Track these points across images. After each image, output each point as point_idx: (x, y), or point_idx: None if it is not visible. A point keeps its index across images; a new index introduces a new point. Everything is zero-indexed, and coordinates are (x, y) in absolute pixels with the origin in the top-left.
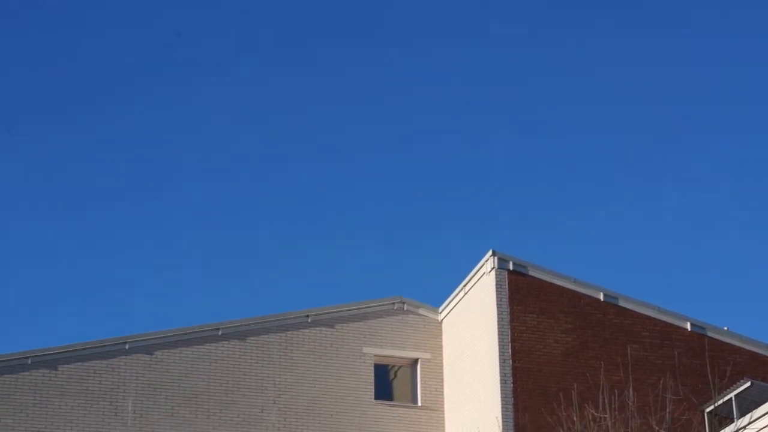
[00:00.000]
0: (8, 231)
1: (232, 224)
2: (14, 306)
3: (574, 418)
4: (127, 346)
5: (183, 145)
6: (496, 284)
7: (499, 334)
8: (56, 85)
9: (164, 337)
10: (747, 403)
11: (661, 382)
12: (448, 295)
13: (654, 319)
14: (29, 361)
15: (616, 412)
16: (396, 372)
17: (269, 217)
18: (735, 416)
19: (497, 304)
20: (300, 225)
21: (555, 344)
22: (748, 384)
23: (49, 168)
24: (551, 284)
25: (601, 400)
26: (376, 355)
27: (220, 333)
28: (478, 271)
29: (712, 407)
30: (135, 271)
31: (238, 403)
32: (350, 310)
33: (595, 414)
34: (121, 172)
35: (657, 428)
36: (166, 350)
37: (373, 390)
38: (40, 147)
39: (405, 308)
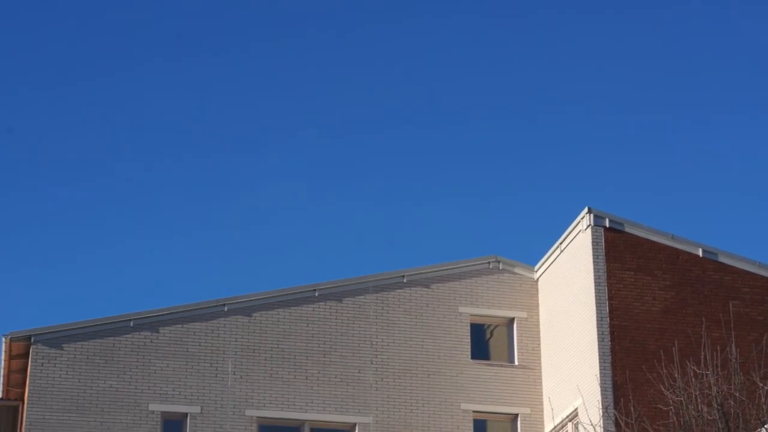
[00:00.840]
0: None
1: (325, 187)
2: (119, 269)
3: (676, 375)
4: (226, 308)
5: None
6: (593, 242)
7: (596, 292)
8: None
9: (262, 298)
10: None
11: (764, 338)
12: (544, 254)
13: (755, 274)
14: (131, 324)
15: (718, 369)
16: (492, 331)
17: (365, 179)
18: None
19: (594, 262)
20: (395, 186)
21: (653, 301)
22: None
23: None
24: (648, 241)
25: (702, 357)
26: (472, 315)
27: (317, 294)
28: (573, 228)
29: None
30: (233, 232)
31: (336, 364)
32: (445, 269)
33: (697, 371)
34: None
35: (762, 384)
36: (264, 312)
37: (469, 349)
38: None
39: (500, 267)
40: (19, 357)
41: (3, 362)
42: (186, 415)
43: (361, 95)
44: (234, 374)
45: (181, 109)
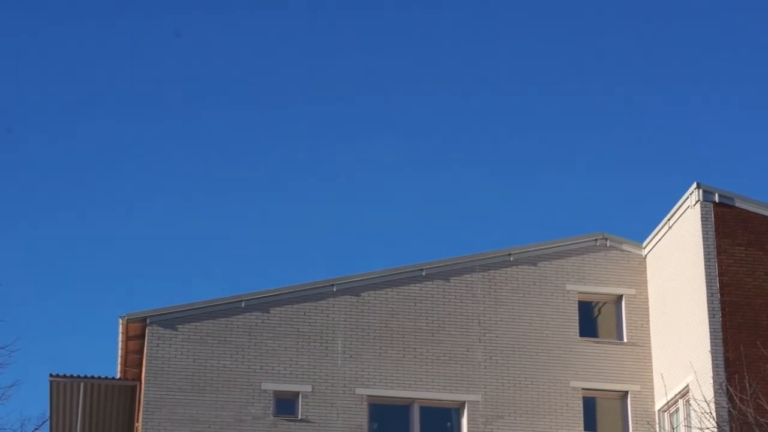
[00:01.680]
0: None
1: (432, 166)
2: (229, 252)
3: None
4: (334, 288)
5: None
6: (702, 217)
7: (706, 268)
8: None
9: (370, 278)
10: None
11: None
12: (652, 230)
13: None
14: (243, 305)
15: None
16: (600, 308)
17: (471, 157)
18: None
19: (703, 237)
20: (502, 165)
21: (765, 276)
22: None
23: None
24: (759, 215)
25: None
26: (579, 292)
27: (424, 273)
28: (682, 204)
29: None
30: (340, 213)
31: (444, 343)
32: (552, 247)
33: None
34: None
35: None
36: (372, 291)
37: (577, 327)
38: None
39: (608, 244)
40: (135, 338)
41: (120, 343)
42: (298, 393)
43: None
44: (344, 353)
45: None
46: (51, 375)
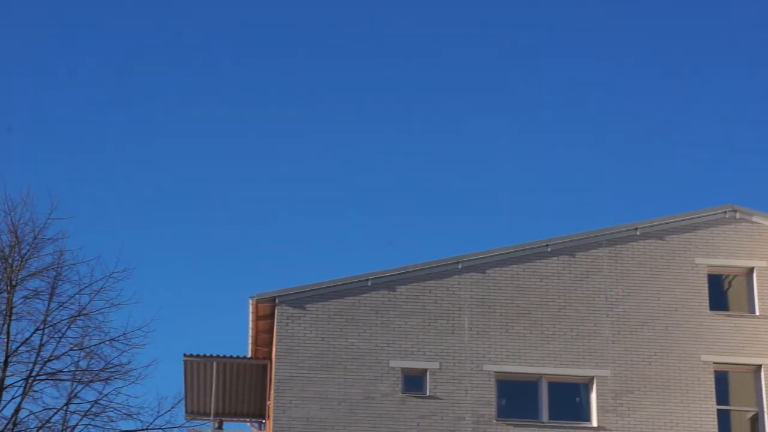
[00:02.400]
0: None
1: (557, 142)
2: (351, 233)
3: None
4: (460, 266)
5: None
6: None
7: None
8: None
9: (495, 255)
10: None
11: None
12: None
13: None
14: (369, 283)
15: None
16: (730, 282)
17: (597, 132)
18: None
19: None
20: (627, 139)
21: None
22: None
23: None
24: None
25: None
26: (709, 266)
27: (549, 249)
28: None
29: None
30: (464, 190)
31: (571, 318)
32: (680, 221)
33: None
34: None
35: None
36: (498, 268)
37: (707, 300)
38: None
39: (737, 216)
40: (265, 318)
41: (251, 323)
42: (425, 370)
43: None
44: (470, 330)
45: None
46: (185, 355)
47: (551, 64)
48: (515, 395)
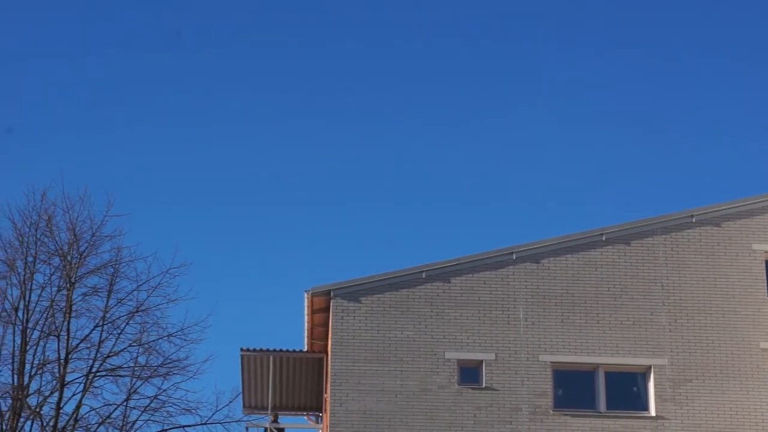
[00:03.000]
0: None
1: (610, 128)
2: (411, 222)
3: None
4: (514, 256)
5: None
6: None
7: None
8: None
9: (549, 245)
10: None
11: None
12: None
13: None
14: (423, 275)
15: None
16: None
17: (650, 117)
18: None
19: None
20: (681, 125)
21: None
22: None
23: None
24: None
25: None
26: (766, 251)
27: (603, 238)
28: None
29: None
30: (513, 180)
31: (627, 307)
32: (736, 207)
33: None
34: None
35: None
36: (552, 258)
37: (765, 287)
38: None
39: None
40: (320, 311)
41: (306, 317)
42: (481, 362)
43: None
44: (525, 321)
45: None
46: (242, 349)
47: (599, 53)
48: (572, 385)
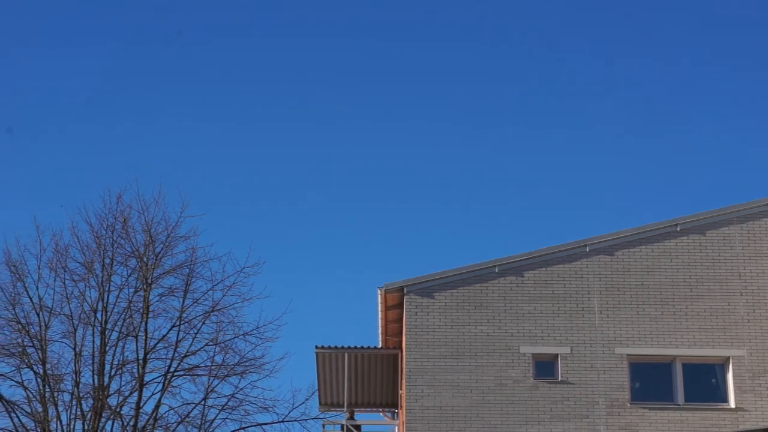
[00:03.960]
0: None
1: (684, 120)
2: (481, 221)
3: None
4: (587, 249)
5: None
6: None
7: None
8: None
9: (623, 237)
10: None
11: None
12: None
13: None
14: (497, 270)
15: None
16: None
17: (723, 107)
18: None
19: None
20: (752, 115)
21: None
22: None
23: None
24: None
25: None
26: None
27: (678, 229)
28: None
29: None
30: (595, 171)
31: (704, 298)
32: None
33: None
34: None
35: None
36: (626, 250)
37: None
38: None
39: None
40: (394, 307)
41: (380, 313)
42: (556, 355)
43: None
44: (600, 313)
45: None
46: (317, 347)
47: (669, 42)
48: (649, 378)
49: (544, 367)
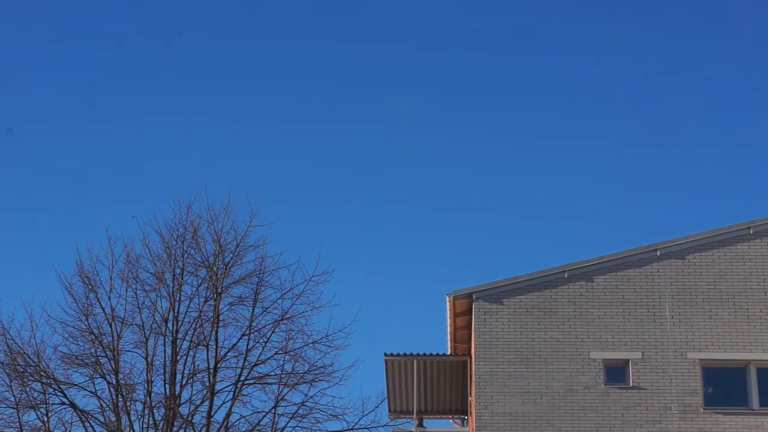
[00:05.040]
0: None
1: (749, 122)
2: (553, 221)
3: None
4: (658, 253)
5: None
6: None
7: None
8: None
9: (694, 240)
10: None
11: None
12: None
13: None
14: (566, 275)
15: None
16: None
17: None
18: None
19: None
20: None
21: None
22: None
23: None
24: None
25: None
26: None
27: (751, 231)
28: None
29: None
30: (660, 175)
31: None
32: None
33: None
34: None
35: None
36: (698, 253)
37: None
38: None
39: None
40: (462, 314)
41: (448, 320)
42: (627, 361)
43: None
44: (672, 318)
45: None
46: (386, 354)
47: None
48: (722, 383)
49: (615, 373)
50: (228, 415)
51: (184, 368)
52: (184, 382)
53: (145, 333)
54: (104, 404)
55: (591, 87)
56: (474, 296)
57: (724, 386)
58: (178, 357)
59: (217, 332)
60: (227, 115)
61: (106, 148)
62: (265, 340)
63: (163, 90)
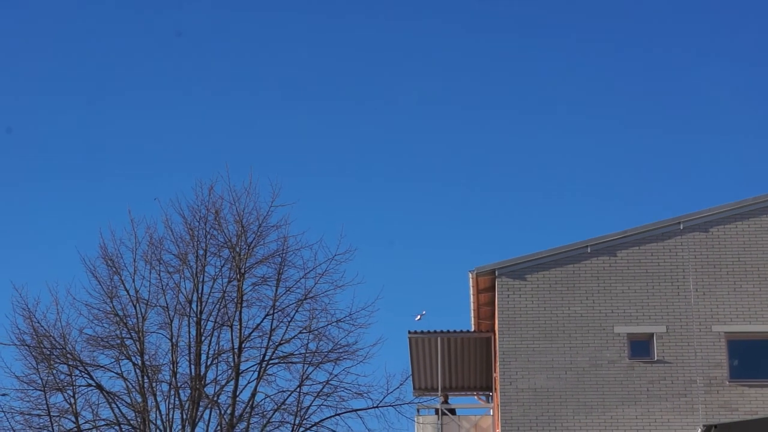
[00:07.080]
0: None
1: None
2: (567, 198)
3: None
4: (681, 226)
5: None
6: None
7: None
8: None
9: (718, 213)
10: None
11: None
12: None
13: None
14: (589, 250)
15: None
16: None
17: None
18: None
19: None
20: None
21: None
22: None
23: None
24: None
25: None
26: None
27: None
28: None
29: None
30: (686, 147)
31: None
32: None
33: None
34: None
35: None
36: (721, 226)
37: None
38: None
39: None
40: (485, 291)
41: (472, 296)
42: (652, 335)
43: None
44: (696, 291)
45: None
46: (410, 332)
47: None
48: (748, 355)
49: (640, 347)
50: (253, 394)
51: (209, 349)
52: (209, 363)
53: (169, 314)
54: (130, 385)
55: (610, 67)
56: (497, 272)
57: (750, 358)
58: (203, 338)
59: (241, 312)
60: (247, 95)
61: (121, 138)
62: (289, 319)
63: (187, 69)
